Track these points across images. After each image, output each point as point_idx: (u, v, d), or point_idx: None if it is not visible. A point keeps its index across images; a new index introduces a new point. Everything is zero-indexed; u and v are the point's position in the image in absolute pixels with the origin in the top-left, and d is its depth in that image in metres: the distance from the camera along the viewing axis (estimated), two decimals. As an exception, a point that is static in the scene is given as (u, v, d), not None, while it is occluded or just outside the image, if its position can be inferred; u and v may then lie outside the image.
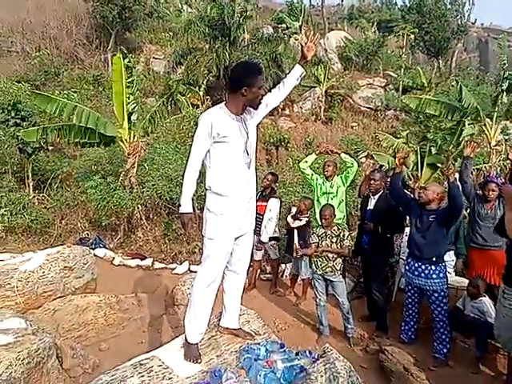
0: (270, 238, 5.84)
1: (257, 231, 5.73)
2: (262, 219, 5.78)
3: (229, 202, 2.80)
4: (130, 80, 7.81)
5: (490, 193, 4.61)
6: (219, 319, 3.16)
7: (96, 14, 18.37)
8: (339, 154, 5.56)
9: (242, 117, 2.86)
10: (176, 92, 14.74)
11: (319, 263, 4.60)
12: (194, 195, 2.83)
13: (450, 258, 4.89)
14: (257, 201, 5.57)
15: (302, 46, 3.08)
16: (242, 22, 16.34)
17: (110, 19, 18.10)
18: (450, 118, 8.65)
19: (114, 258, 6.97)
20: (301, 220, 5.49)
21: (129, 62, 7.79)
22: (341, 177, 5.55)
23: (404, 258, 5.01)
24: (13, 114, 8.84)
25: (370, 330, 4.90)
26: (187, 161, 2.81)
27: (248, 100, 2.80)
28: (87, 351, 3.93)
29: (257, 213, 5.58)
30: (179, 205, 2.83)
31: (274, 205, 5.82)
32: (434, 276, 4.23)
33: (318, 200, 5.61)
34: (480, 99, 12.18)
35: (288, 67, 17.57)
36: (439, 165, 7.63)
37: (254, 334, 3.11)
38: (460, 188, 4.33)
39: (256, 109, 2.88)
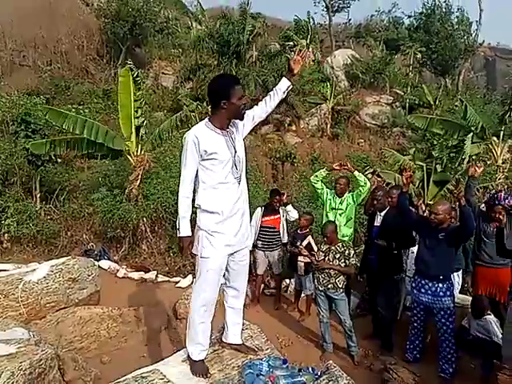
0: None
1: (274, 244, 5.77)
2: (277, 233, 5.81)
3: (220, 220, 2.75)
4: (138, 94, 7.92)
5: (498, 215, 4.56)
6: (221, 334, 3.14)
7: (107, 30, 18.76)
8: (352, 172, 5.52)
9: (228, 131, 2.81)
10: (184, 107, 14.96)
11: (321, 279, 4.57)
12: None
13: (456, 278, 4.84)
14: (265, 216, 5.65)
15: (289, 60, 3.03)
16: (251, 39, 16.59)
17: (120, 35, 18.47)
18: (455, 136, 8.67)
19: (118, 270, 6.97)
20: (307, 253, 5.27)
21: (137, 76, 7.90)
22: (352, 194, 5.54)
23: (410, 275, 4.97)
24: (23, 127, 8.97)
25: (374, 347, 4.85)
26: (179, 183, 2.76)
27: (230, 112, 2.75)
28: (89, 363, 3.91)
29: (270, 227, 5.64)
30: (178, 228, 2.76)
31: (281, 211, 5.87)
32: (441, 294, 4.18)
33: (326, 215, 5.61)
34: (487, 118, 12.20)
35: (294, 84, 17.75)
36: (449, 186, 7.61)
37: (256, 350, 3.09)
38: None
39: (242, 119, 2.83)
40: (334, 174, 7.37)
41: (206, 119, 2.81)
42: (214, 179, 2.74)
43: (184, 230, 2.73)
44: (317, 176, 5.70)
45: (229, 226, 2.79)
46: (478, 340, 4.23)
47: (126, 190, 8.07)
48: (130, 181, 8.01)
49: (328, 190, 5.72)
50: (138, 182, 8.04)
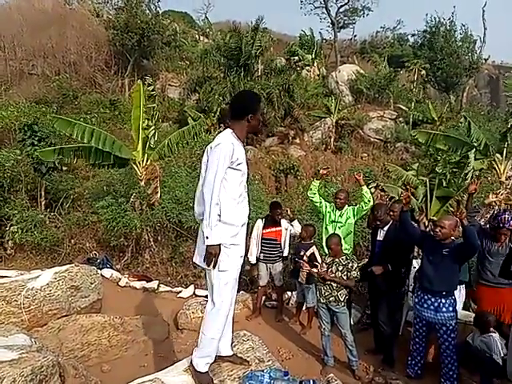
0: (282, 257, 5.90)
1: (277, 256, 5.79)
2: (278, 245, 5.80)
3: (236, 232, 2.80)
4: (149, 106, 8.06)
5: (503, 237, 4.58)
6: None
7: (116, 41, 19.06)
8: (361, 186, 5.48)
9: (244, 144, 2.97)
10: (189, 119, 15.13)
11: (323, 291, 4.57)
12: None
13: (457, 293, 4.83)
14: (266, 228, 5.67)
15: None
16: (258, 53, 16.81)
17: (128, 47, 18.76)
18: (458, 152, 8.70)
19: (120, 279, 6.99)
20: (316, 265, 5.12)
21: (153, 90, 8.09)
22: (353, 209, 5.54)
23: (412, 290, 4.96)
24: (28, 134, 9.07)
25: (375, 362, 4.81)
26: (211, 189, 2.67)
27: (252, 126, 2.91)
28: (89, 372, 3.90)
29: (271, 239, 5.65)
30: (206, 237, 2.68)
31: (287, 224, 5.89)
32: (444, 309, 4.17)
33: (326, 228, 5.62)
34: (490, 135, 12.23)
35: (299, 98, 17.93)
36: (452, 202, 7.62)
37: (248, 361, 3.07)
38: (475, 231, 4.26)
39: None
40: (335, 187, 7.41)
41: (229, 130, 2.87)
42: (234, 190, 2.79)
43: (217, 237, 2.68)
44: (311, 189, 5.72)
45: (240, 238, 2.86)
46: (479, 355, 4.21)
47: (132, 199, 8.09)
48: (149, 194, 8.03)
49: (327, 203, 5.73)
50: (159, 194, 8.09)
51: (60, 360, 3.68)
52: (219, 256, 2.71)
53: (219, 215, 2.73)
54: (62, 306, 4.93)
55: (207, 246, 2.69)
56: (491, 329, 4.33)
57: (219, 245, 2.70)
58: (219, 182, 2.70)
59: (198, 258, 2.85)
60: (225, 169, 2.72)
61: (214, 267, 2.72)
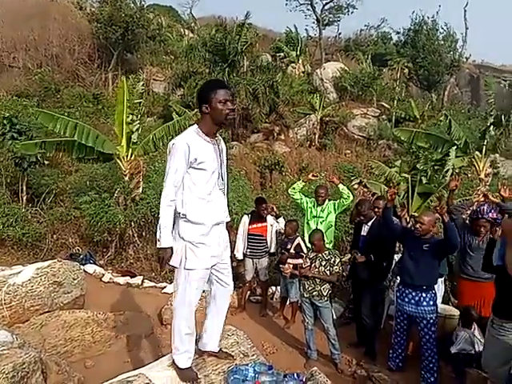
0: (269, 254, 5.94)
1: (263, 252, 5.82)
2: (264, 241, 5.83)
3: (206, 231, 2.72)
4: (136, 102, 8.07)
5: (482, 229, 4.64)
6: (198, 342, 3.08)
7: (99, 34, 18.75)
8: (337, 185, 5.66)
9: (216, 139, 2.78)
10: (174, 114, 15.00)
11: (307, 286, 4.63)
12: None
13: (437, 286, 4.93)
14: (252, 224, 5.70)
15: None
16: (244, 49, 16.76)
17: (112, 40, 18.49)
18: (439, 150, 8.88)
19: (103, 274, 6.92)
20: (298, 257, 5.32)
21: (142, 85, 8.14)
22: (334, 203, 5.66)
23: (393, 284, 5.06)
24: (8, 128, 8.89)
25: (358, 355, 4.89)
26: (162, 190, 2.65)
27: (212, 117, 2.68)
28: (72, 368, 3.87)
29: (257, 235, 5.68)
30: (158, 239, 2.64)
31: (272, 220, 5.92)
32: (425, 303, 4.27)
33: (307, 223, 5.71)
34: (470, 133, 12.49)
35: (284, 94, 17.97)
36: (433, 198, 7.77)
37: (233, 355, 3.08)
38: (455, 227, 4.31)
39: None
40: (314, 183, 7.53)
41: (195, 125, 2.75)
42: (201, 189, 2.69)
43: (166, 240, 2.62)
44: (294, 188, 5.84)
45: (213, 237, 2.77)
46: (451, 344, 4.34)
47: (116, 195, 8.01)
48: (131, 189, 7.95)
49: (307, 199, 5.84)
50: (140, 189, 8.03)
51: (42, 356, 3.65)
52: (169, 257, 2.64)
53: (184, 215, 2.66)
54: (45, 302, 4.86)
55: (158, 248, 2.64)
56: (474, 324, 4.44)
57: (170, 248, 2.63)
58: (174, 184, 2.61)
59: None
60: (182, 169, 2.62)
61: (161, 268, 2.68)
